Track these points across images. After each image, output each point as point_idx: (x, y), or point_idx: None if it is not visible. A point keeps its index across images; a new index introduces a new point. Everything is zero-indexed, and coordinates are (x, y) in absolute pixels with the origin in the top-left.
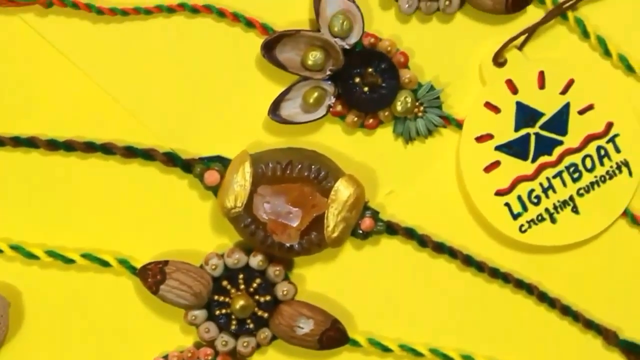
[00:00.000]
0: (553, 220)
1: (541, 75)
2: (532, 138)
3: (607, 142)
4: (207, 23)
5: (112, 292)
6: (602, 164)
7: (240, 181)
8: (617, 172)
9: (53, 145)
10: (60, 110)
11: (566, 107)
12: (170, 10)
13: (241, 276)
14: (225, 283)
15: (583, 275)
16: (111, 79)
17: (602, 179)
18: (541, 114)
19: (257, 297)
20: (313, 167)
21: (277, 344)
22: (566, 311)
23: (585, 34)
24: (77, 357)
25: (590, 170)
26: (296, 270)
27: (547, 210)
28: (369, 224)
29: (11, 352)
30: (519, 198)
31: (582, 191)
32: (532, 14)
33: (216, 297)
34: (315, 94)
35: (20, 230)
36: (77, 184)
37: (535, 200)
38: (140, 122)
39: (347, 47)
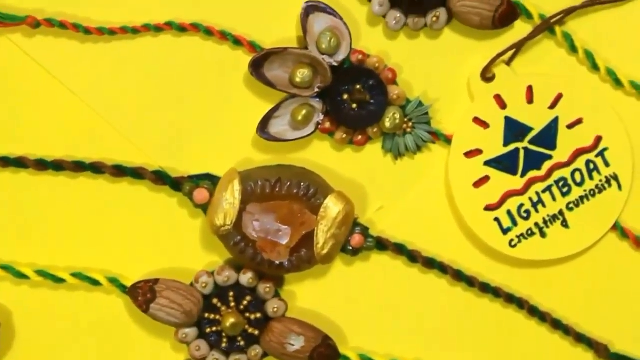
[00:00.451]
0: (543, 235)
1: (529, 90)
2: (521, 153)
3: (597, 156)
4: (195, 41)
5: (102, 310)
6: (591, 178)
7: (230, 199)
8: (606, 185)
9: (42, 165)
10: (48, 129)
11: (555, 122)
12: (158, 29)
13: (231, 294)
14: (215, 301)
15: (573, 289)
16: (100, 98)
17: (592, 192)
18: (530, 129)
19: (247, 314)
20: (302, 184)
21: None
22: (557, 325)
23: (573, 48)
24: None
25: (579, 185)
26: (287, 286)
27: (536, 224)
28: (358, 240)
29: None
30: (509, 213)
31: (571, 205)
32: (520, 29)
33: (207, 315)
34: (304, 111)
35: (10, 250)
36: (67, 203)
37: (525, 215)
38: (129, 141)
39: (335, 64)
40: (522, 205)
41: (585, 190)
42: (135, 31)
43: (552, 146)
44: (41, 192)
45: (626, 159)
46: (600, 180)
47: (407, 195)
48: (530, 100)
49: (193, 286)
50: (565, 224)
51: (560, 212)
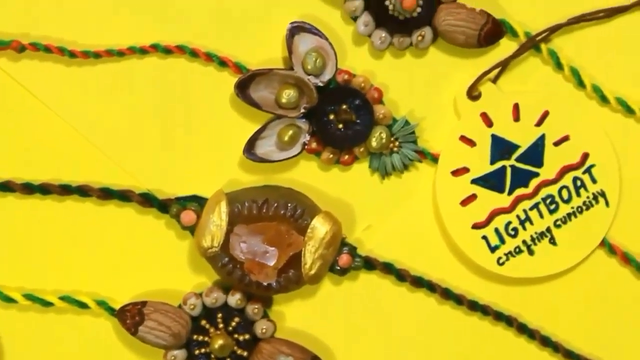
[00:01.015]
0: (531, 252)
1: (516, 107)
2: (508, 170)
3: (583, 172)
4: (180, 63)
5: (91, 334)
6: (578, 194)
7: (217, 221)
8: (593, 202)
9: (28, 188)
10: (35, 153)
11: (541, 139)
12: (143, 51)
13: (220, 315)
14: (204, 322)
15: (562, 306)
16: (85, 121)
17: (579, 209)
18: (516, 147)
19: (236, 335)
20: (289, 205)
21: None
22: (546, 342)
23: (558, 66)
24: None
25: (566, 202)
26: (275, 307)
27: (524, 242)
28: (346, 260)
29: None
30: (496, 231)
31: (559, 222)
32: (505, 47)
33: (195, 337)
34: (290, 132)
35: None
36: (54, 226)
37: (513, 233)
38: (115, 163)
39: (320, 84)
40: (509, 223)
41: (572, 207)
42: (120, 54)
43: (539, 163)
44: (28, 216)
45: (613, 175)
46: (588, 197)
47: (394, 214)
48: (516, 117)
49: (181, 308)
50: (552, 241)
51: (548, 230)
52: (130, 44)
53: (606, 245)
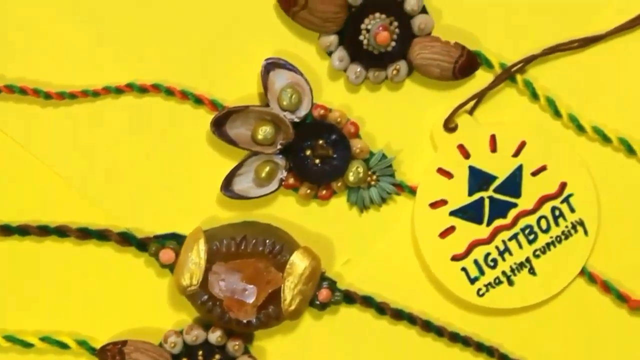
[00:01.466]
0: (510, 283)
1: (492, 138)
2: (486, 202)
3: (562, 202)
4: (156, 102)
5: None
6: (557, 224)
7: (195, 259)
8: (572, 231)
9: (6, 230)
10: (12, 195)
11: (519, 170)
12: (119, 90)
13: (200, 352)
14: None
15: (543, 336)
16: (62, 162)
17: (558, 239)
18: (494, 178)
19: None
20: (267, 241)
21: None
22: None
23: (534, 96)
24: None
25: (545, 231)
26: (256, 342)
27: (504, 273)
28: (326, 295)
29: None
30: (476, 262)
31: (538, 252)
32: (481, 78)
33: None
34: (267, 169)
35: None
36: (33, 267)
37: (492, 264)
38: (93, 203)
39: (296, 120)
40: (488, 254)
41: (551, 237)
42: (95, 94)
43: (517, 194)
44: (6, 257)
45: (591, 204)
46: (566, 227)
47: (373, 247)
48: (493, 149)
49: (162, 346)
50: (532, 272)
51: (527, 260)
52: (105, 83)
53: (586, 274)
